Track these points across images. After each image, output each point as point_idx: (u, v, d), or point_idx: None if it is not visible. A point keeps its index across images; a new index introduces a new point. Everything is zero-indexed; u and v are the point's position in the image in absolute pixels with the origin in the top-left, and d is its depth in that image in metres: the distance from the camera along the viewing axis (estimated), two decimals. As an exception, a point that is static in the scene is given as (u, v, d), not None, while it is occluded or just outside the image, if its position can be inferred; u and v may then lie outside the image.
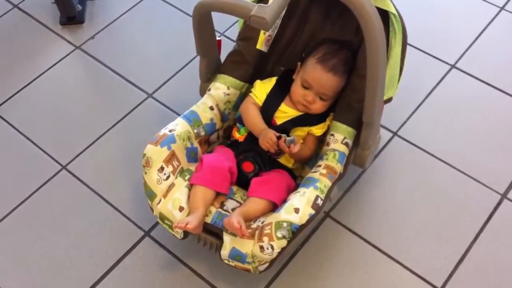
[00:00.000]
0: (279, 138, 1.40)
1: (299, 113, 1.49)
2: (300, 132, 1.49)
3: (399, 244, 1.52)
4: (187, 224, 1.29)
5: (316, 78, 1.44)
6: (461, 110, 1.78)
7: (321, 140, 1.50)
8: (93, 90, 1.92)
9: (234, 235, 1.32)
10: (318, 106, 1.47)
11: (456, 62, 1.88)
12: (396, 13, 1.34)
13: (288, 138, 1.39)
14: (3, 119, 1.83)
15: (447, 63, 1.88)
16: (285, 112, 1.49)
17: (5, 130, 1.80)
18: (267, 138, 1.40)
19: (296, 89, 1.48)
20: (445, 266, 1.48)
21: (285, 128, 1.47)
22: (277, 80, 1.53)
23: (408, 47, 1.42)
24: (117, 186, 1.66)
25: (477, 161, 1.66)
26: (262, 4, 1.16)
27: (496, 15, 2.00)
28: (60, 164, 1.71)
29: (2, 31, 2.07)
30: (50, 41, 2.03)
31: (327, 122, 1.49)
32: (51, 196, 1.65)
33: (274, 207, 1.37)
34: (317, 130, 1.49)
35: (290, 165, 1.48)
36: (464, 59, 1.89)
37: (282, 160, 1.47)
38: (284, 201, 1.35)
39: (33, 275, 1.51)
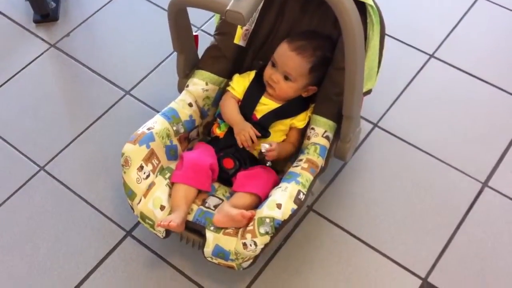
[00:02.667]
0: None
1: (279, 104, 1.48)
2: (282, 126, 1.48)
3: (382, 235, 1.52)
4: (170, 222, 1.28)
5: (281, 54, 1.44)
6: (441, 100, 1.78)
7: (302, 134, 1.49)
8: (69, 88, 1.88)
9: (217, 232, 1.31)
10: (282, 86, 1.45)
11: (434, 52, 1.88)
12: (373, 4, 1.33)
13: (263, 145, 1.39)
14: (-23, 120, 1.79)
15: (425, 52, 1.88)
16: (265, 104, 1.48)
17: (-20, 132, 1.77)
18: (244, 132, 1.40)
19: (267, 68, 1.48)
20: (428, 256, 1.48)
21: (265, 123, 1.46)
22: (256, 74, 1.52)
23: (386, 37, 1.42)
24: (97, 186, 1.64)
25: (457, 150, 1.66)
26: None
27: (473, 3, 2.01)
28: (38, 165, 1.68)
29: (-26, 31, 2.03)
30: (24, 39, 1.99)
31: (308, 113, 1.49)
32: (30, 198, 1.62)
33: (259, 202, 1.36)
34: (299, 122, 1.48)
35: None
36: (442, 49, 1.89)
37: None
38: (267, 196, 1.35)
39: (13, 279, 1.48)
